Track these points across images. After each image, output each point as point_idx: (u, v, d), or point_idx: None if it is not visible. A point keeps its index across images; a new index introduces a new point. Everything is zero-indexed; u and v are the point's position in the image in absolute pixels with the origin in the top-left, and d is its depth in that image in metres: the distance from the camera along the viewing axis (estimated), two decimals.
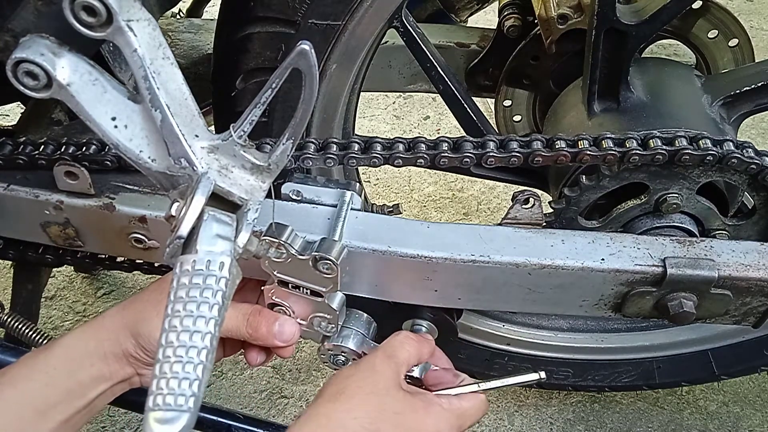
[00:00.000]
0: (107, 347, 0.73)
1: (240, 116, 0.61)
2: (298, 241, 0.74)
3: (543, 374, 0.79)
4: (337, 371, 0.76)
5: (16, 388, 0.70)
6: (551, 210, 0.97)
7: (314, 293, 0.77)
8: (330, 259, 0.73)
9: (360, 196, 0.84)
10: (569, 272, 0.81)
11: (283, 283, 0.77)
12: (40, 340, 1.02)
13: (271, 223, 0.73)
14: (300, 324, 0.81)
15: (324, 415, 0.67)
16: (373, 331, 0.86)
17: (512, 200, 0.85)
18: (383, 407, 0.69)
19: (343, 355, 0.84)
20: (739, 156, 0.85)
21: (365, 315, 0.86)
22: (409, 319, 0.90)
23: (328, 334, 0.83)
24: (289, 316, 0.80)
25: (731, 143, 0.86)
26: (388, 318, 0.88)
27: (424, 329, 0.89)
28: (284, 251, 0.73)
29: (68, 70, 0.56)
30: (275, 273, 0.76)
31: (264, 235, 0.72)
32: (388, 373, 0.72)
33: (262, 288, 0.80)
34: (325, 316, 0.80)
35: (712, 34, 1.09)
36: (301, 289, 0.77)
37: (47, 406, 0.70)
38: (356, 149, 0.85)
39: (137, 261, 0.99)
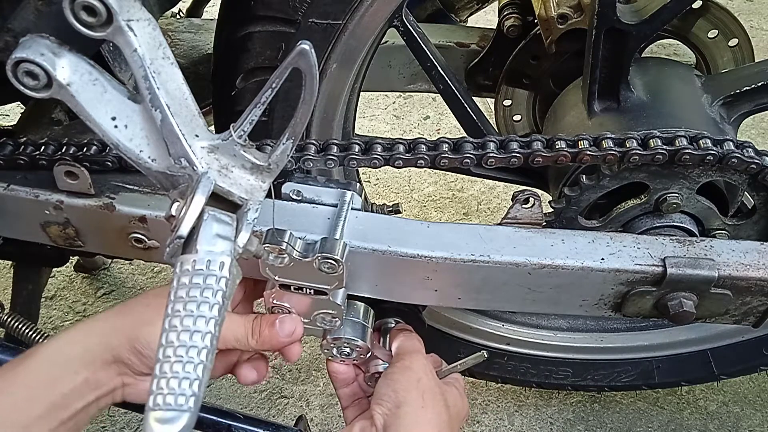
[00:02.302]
0: (96, 353, 0.70)
1: (240, 116, 0.61)
2: (299, 244, 0.74)
3: (485, 353, 0.91)
4: (381, 382, 0.80)
5: None
6: (551, 210, 0.97)
7: (318, 292, 0.77)
8: (335, 259, 0.73)
9: (360, 195, 0.84)
10: (569, 272, 0.81)
11: (285, 286, 0.77)
12: (40, 340, 1.02)
13: (269, 230, 0.73)
14: (303, 322, 0.81)
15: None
16: (371, 319, 0.87)
17: (512, 200, 0.85)
18: (442, 407, 0.79)
19: (347, 347, 0.84)
20: (739, 156, 0.85)
21: (363, 304, 0.86)
22: (378, 320, 0.91)
23: (330, 328, 0.83)
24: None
25: (731, 143, 0.86)
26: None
27: (393, 326, 0.90)
28: (286, 256, 0.73)
29: (68, 70, 0.56)
30: (276, 278, 0.76)
31: (264, 243, 0.72)
32: (425, 367, 0.81)
33: (263, 293, 0.80)
34: (330, 312, 0.80)
35: (712, 33, 1.09)
36: (304, 289, 0.77)
37: (30, 419, 0.67)
38: (356, 150, 0.85)
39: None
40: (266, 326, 0.77)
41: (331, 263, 0.73)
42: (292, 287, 0.77)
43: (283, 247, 0.72)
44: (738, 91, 0.99)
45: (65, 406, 0.69)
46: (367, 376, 0.88)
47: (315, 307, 0.80)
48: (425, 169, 0.98)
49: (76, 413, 0.70)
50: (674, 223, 0.95)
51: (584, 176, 0.93)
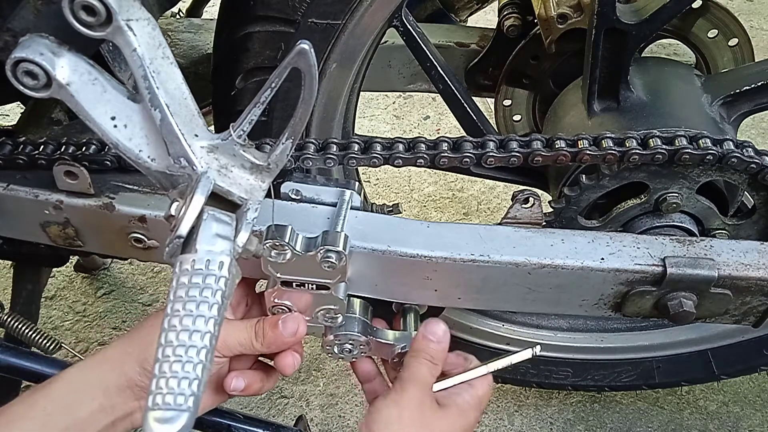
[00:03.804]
0: (110, 379, 0.71)
1: (240, 115, 0.61)
2: (300, 240, 0.74)
3: (537, 348, 0.85)
4: (367, 415, 0.78)
5: (14, 429, 0.69)
6: (551, 209, 0.97)
7: (320, 287, 0.77)
8: (338, 251, 0.73)
9: (359, 194, 0.84)
10: (569, 272, 0.81)
11: (286, 284, 0.77)
12: (40, 340, 1.02)
13: (270, 226, 0.73)
14: (305, 320, 0.81)
15: None
16: (371, 315, 0.87)
17: (512, 200, 0.85)
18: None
19: (350, 343, 0.84)
20: (738, 155, 0.85)
21: (362, 300, 0.86)
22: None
23: (331, 325, 0.83)
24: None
25: (731, 142, 0.86)
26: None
27: (413, 312, 0.90)
28: (288, 252, 0.73)
29: (68, 69, 0.56)
30: (278, 275, 0.76)
31: (265, 239, 0.72)
32: (415, 400, 0.77)
33: (264, 292, 0.80)
34: (331, 307, 0.80)
35: (712, 33, 1.09)
36: (306, 285, 0.77)
37: None
38: (356, 149, 0.85)
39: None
40: (269, 328, 0.77)
41: (335, 256, 0.73)
42: (293, 284, 0.77)
43: (285, 241, 0.72)
44: (738, 90, 0.99)
45: (81, 431, 0.70)
46: (392, 362, 0.88)
47: (317, 304, 0.80)
48: (425, 168, 0.98)
49: None
50: (674, 223, 0.95)
51: (584, 176, 0.93)
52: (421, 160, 0.85)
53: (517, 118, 1.23)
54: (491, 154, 0.85)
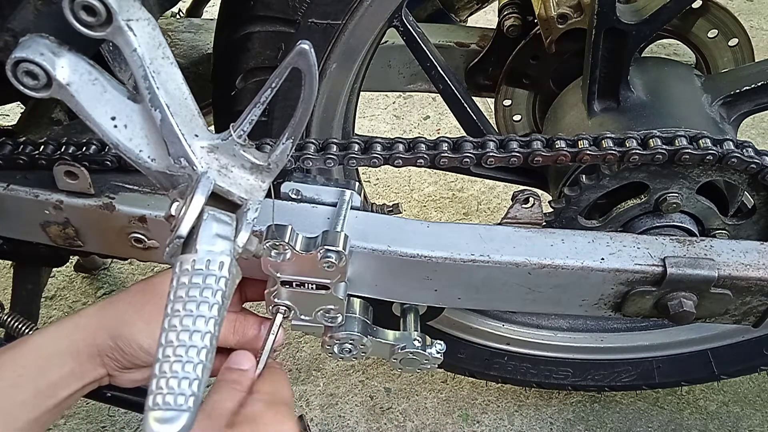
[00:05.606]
0: (82, 347, 0.72)
1: (240, 116, 0.61)
2: (300, 240, 0.74)
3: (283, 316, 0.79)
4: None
5: None
6: (551, 209, 0.97)
7: (320, 287, 0.77)
8: (338, 251, 0.73)
9: (359, 194, 0.84)
10: (569, 272, 0.81)
11: (286, 284, 0.77)
12: None
13: (270, 226, 0.73)
14: (304, 320, 0.81)
15: None
16: (371, 315, 0.87)
17: (512, 200, 0.85)
18: None
19: (350, 344, 0.84)
20: (738, 155, 0.85)
21: (362, 300, 0.86)
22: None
23: (331, 325, 0.83)
24: (294, 315, 0.81)
25: (731, 142, 0.86)
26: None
27: (413, 312, 0.90)
28: (288, 252, 0.73)
29: (68, 69, 0.56)
30: (278, 275, 0.76)
31: (265, 239, 0.72)
32: None
33: (264, 292, 0.80)
34: (331, 307, 0.80)
35: (712, 33, 1.09)
36: (306, 285, 0.77)
37: (15, 405, 0.69)
38: (356, 149, 0.85)
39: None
40: (251, 329, 0.79)
41: (335, 255, 0.73)
42: (293, 284, 0.77)
43: (285, 241, 0.72)
44: (738, 90, 0.99)
45: (51, 395, 0.71)
46: (395, 363, 0.88)
47: (317, 304, 0.80)
48: (425, 168, 0.98)
49: (61, 402, 0.72)
50: (674, 223, 0.95)
51: (584, 176, 0.93)
52: (421, 160, 0.85)
53: (517, 118, 1.23)
54: (491, 154, 0.85)
